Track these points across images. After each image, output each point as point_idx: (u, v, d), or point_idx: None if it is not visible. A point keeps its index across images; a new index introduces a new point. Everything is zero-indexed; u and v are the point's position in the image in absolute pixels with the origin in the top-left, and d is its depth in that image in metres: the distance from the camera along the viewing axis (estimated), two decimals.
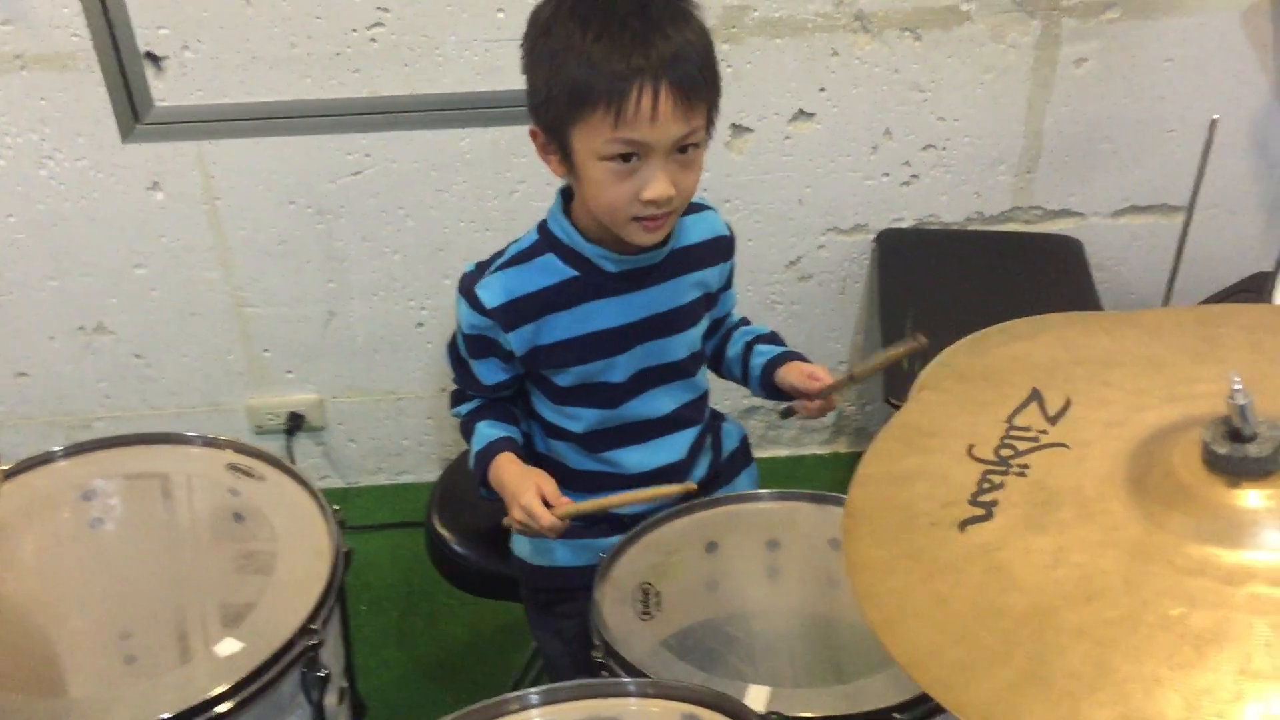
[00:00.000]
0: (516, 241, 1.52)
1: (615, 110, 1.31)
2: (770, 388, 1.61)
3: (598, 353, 1.50)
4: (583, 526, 1.56)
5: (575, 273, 1.48)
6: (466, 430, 1.58)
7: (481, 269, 1.51)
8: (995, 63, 2.21)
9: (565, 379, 1.52)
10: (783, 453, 2.67)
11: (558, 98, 1.35)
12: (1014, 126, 2.27)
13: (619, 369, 1.52)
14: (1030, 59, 2.20)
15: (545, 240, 1.49)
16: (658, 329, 1.52)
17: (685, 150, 1.37)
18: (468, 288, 1.49)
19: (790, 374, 1.57)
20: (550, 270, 1.48)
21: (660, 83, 1.30)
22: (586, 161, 1.36)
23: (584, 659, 1.49)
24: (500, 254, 1.52)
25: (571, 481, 1.56)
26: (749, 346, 1.64)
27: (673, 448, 1.59)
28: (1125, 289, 2.46)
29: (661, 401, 1.57)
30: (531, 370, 1.54)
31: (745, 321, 1.70)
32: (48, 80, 2.08)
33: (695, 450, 1.63)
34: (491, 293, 1.47)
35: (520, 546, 1.66)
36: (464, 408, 1.60)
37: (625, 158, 1.34)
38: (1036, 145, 2.30)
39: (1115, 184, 2.35)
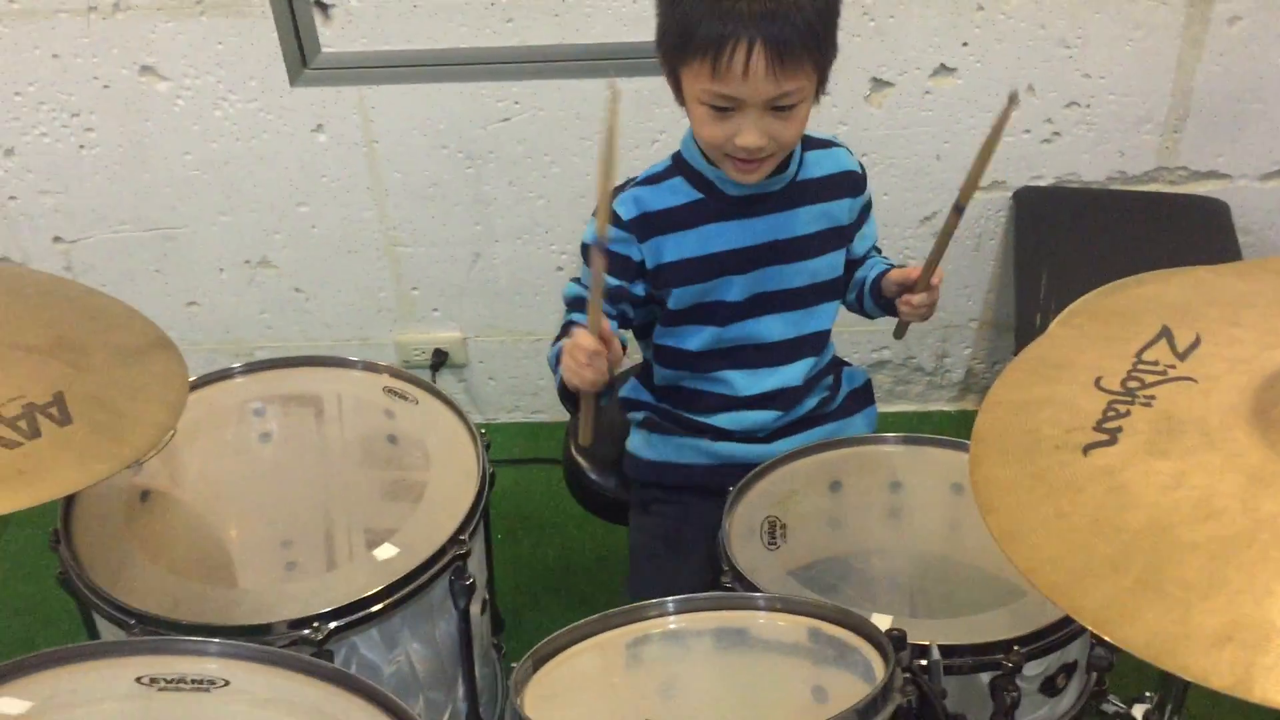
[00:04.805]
0: (651, 166, 1.63)
1: (711, 63, 1.40)
2: (878, 294, 1.66)
3: (714, 272, 1.59)
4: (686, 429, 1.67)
5: (700, 195, 1.58)
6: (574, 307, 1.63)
7: (619, 191, 1.63)
8: (1145, 19, 2.18)
9: (679, 301, 1.61)
10: (910, 408, 2.69)
11: (669, 39, 1.46)
12: (1162, 85, 2.24)
13: (735, 289, 1.60)
14: (1182, 16, 2.17)
15: (676, 165, 1.60)
16: (776, 255, 1.60)
17: (782, 107, 1.44)
18: None
19: (894, 274, 1.62)
20: (678, 192, 1.59)
21: (755, 42, 1.37)
22: (691, 100, 1.48)
23: (668, 563, 1.62)
24: (634, 177, 1.63)
25: (686, 401, 1.67)
26: (871, 267, 1.70)
27: (783, 375, 1.66)
28: (1273, 254, 2.40)
29: (774, 327, 1.64)
30: (652, 292, 1.61)
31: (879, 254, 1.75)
32: (224, 25, 2.21)
33: (810, 382, 1.68)
34: (626, 207, 1.59)
35: (634, 442, 1.75)
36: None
37: (721, 106, 1.44)
38: (1185, 104, 2.26)
39: (1265, 146, 2.30)
